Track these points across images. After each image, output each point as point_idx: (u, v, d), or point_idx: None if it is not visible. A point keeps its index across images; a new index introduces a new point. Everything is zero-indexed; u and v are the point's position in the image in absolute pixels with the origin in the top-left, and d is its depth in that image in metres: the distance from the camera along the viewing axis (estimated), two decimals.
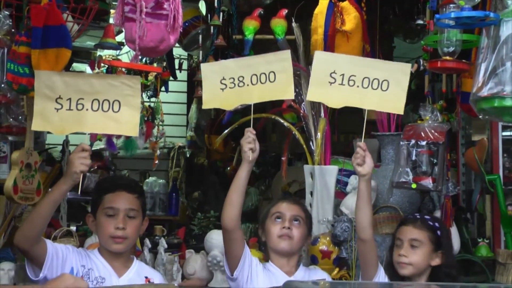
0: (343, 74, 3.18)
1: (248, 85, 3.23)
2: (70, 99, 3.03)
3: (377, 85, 3.17)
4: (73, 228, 4.51)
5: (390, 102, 3.17)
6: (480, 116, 3.30)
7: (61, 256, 3.09)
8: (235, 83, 3.23)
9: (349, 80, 3.18)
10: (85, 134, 3.95)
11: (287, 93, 3.26)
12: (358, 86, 3.17)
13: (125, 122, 3.07)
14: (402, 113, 3.23)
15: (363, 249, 3.25)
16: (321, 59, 3.25)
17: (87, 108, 3.05)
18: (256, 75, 3.23)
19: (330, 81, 3.20)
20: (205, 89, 3.29)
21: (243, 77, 3.23)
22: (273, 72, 3.21)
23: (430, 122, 3.89)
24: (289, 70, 3.23)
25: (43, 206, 3.02)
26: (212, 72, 3.29)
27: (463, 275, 4.51)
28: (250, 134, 3.19)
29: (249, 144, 3.17)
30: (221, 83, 3.25)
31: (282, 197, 3.49)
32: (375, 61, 3.29)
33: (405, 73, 3.18)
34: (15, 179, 4.13)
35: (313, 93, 3.25)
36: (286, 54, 3.27)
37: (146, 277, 3.25)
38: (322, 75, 3.22)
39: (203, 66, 3.36)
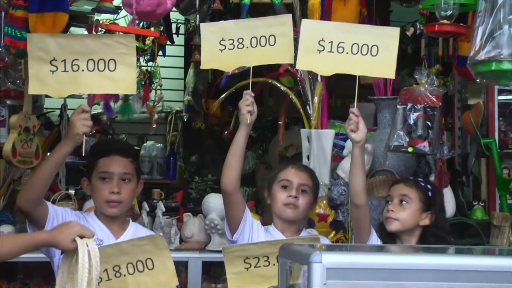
0: (331, 42, 3.15)
1: (247, 47, 3.20)
2: (64, 60, 3.00)
3: (366, 51, 3.14)
4: (72, 191, 4.51)
5: (380, 67, 3.16)
6: (477, 80, 3.29)
7: (61, 218, 3.09)
8: (234, 44, 3.20)
9: (338, 47, 3.14)
10: (82, 97, 3.96)
11: (287, 58, 3.24)
12: (347, 53, 3.14)
13: (121, 81, 3.04)
14: (393, 77, 3.22)
15: (356, 214, 3.25)
16: (308, 27, 3.21)
17: (82, 68, 3.01)
18: (256, 37, 3.20)
19: (319, 49, 3.16)
20: (204, 49, 3.25)
21: (242, 39, 3.20)
22: (273, 36, 3.19)
23: (426, 86, 3.87)
24: (289, 35, 3.20)
25: (44, 168, 3.01)
26: (211, 33, 3.25)
27: (458, 237, 4.55)
28: (248, 97, 3.16)
29: (248, 106, 3.16)
30: (220, 44, 3.22)
31: (291, 162, 3.45)
32: (364, 27, 3.28)
33: (394, 37, 3.15)
34: (14, 142, 4.13)
35: (302, 62, 3.21)
36: (287, 18, 3.24)
37: None
38: (310, 43, 3.18)
39: (202, 26, 3.31)
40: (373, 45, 3.14)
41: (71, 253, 2.60)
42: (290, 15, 3.26)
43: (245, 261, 3.05)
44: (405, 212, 3.33)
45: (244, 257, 3.05)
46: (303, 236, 3.26)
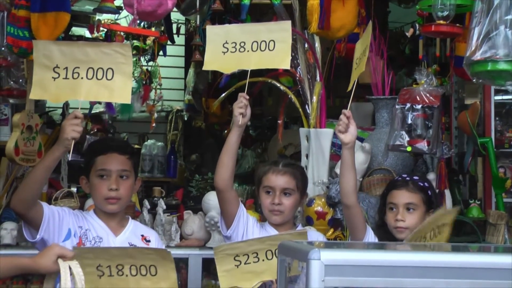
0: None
1: (248, 51, 3.25)
2: (66, 68, 3.03)
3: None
4: (74, 189, 4.51)
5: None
6: (474, 80, 3.30)
7: (57, 218, 3.10)
8: (236, 47, 3.26)
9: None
10: None
11: (284, 63, 3.29)
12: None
13: (118, 90, 3.06)
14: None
15: (348, 214, 3.26)
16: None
17: (82, 76, 3.03)
18: (257, 42, 3.25)
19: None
20: (208, 51, 3.31)
21: (244, 43, 3.25)
22: (273, 41, 3.24)
23: (425, 86, 3.88)
24: (288, 41, 3.25)
25: (37, 171, 3.02)
26: (217, 35, 3.31)
27: (455, 235, 4.55)
28: (242, 99, 3.20)
29: (240, 109, 3.19)
30: (223, 46, 3.27)
31: (271, 165, 3.45)
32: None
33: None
34: (17, 141, 4.14)
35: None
36: (287, 24, 3.30)
37: (142, 235, 3.26)
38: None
39: (208, 28, 3.38)
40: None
41: (53, 275, 2.61)
42: (289, 22, 3.33)
43: (235, 259, 3.08)
44: (414, 219, 3.31)
45: (234, 255, 3.08)
46: (290, 232, 3.26)
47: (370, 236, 3.27)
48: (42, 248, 3.09)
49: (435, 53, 4.77)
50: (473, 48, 3.13)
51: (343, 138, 3.17)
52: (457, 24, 3.70)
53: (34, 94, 3.06)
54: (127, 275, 2.92)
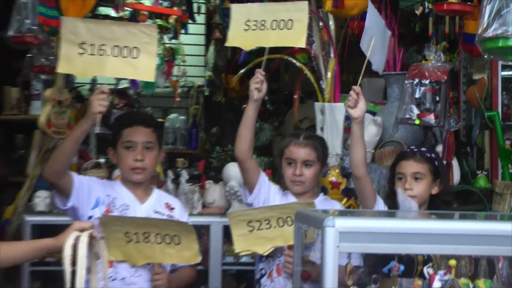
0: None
1: (268, 29, 3.24)
2: (93, 44, 3.02)
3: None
4: (102, 160, 4.54)
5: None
6: (485, 56, 3.26)
7: (86, 187, 3.13)
8: (257, 25, 3.25)
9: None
10: None
11: (300, 42, 3.27)
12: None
13: (142, 68, 3.06)
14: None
15: (358, 185, 3.25)
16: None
17: (108, 53, 3.03)
18: (276, 20, 3.24)
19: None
20: (231, 28, 3.31)
21: (265, 21, 3.25)
22: (291, 20, 3.22)
23: (433, 62, 3.85)
24: (304, 20, 3.24)
25: (66, 143, 3.05)
26: (240, 14, 3.30)
27: (463, 204, 4.55)
28: (258, 75, 3.20)
29: (256, 84, 3.19)
30: (245, 24, 3.26)
31: (293, 137, 3.45)
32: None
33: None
34: (48, 114, 4.17)
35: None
36: (304, 5, 3.28)
37: (166, 203, 3.28)
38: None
39: (233, 7, 3.37)
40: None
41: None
42: (306, 2, 3.30)
43: (248, 225, 3.11)
44: (421, 187, 3.29)
45: (247, 221, 3.11)
46: (299, 202, 3.26)
47: (380, 205, 3.27)
48: (73, 215, 3.13)
49: (445, 30, 4.73)
50: (484, 26, 3.09)
51: (352, 113, 3.16)
52: (468, 3, 3.67)
53: (61, 68, 3.06)
54: (152, 243, 2.96)
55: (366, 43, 3.29)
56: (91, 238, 2.52)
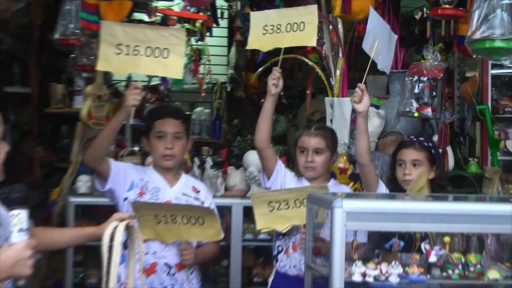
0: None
1: (283, 32, 3.24)
2: (128, 45, 3.04)
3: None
4: (136, 148, 4.56)
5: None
6: (474, 56, 3.25)
7: (122, 172, 3.15)
8: (273, 29, 3.25)
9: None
10: None
11: (311, 41, 3.27)
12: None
13: (171, 66, 3.07)
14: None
15: (362, 171, 3.25)
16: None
17: (141, 53, 3.05)
18: (290, 24, 3.24)
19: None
20: (251, 32, 3.31)
21: (280, 25, 3.25)
22: (303, 23, 3.22)
23: (431, 61, 3.83)
24: (314, 22, 3.23)
25: (104, 133, 3.08)
26: (258, 20, 3.30)
27: (456, 187, 4.53)
28: (276, 72, 3.20)
29: (273, 80, 3.19)
30: (263, 29, 3.27)
31: (306, 128, 3.45)
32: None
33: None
34: (89, 108, 4.19)
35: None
36: (314, 8, 3.27)
37: (193, 187, 3.29)
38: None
39: (252, 14, 3.37)
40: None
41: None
42: (316, 6, 3.30)
43: (269, 205, 3.12)
44: (420, 173, 3.29)
45: (268, 201, 3.11)
46: (313, 186, 3.27)
47: (382, 188, 3.27)
48: (110, 197, 3.16)
49: (441, 33, 4.70)
50: (473, 29, 3.08)
51: (357, 108, 3.15)
52: (460, 8, 3.64)
53: (100, 66, 3.09)
54: (179, 223, 2.98)
55: (368, 44, 3.27)
56: (129, 228, 2.53)
